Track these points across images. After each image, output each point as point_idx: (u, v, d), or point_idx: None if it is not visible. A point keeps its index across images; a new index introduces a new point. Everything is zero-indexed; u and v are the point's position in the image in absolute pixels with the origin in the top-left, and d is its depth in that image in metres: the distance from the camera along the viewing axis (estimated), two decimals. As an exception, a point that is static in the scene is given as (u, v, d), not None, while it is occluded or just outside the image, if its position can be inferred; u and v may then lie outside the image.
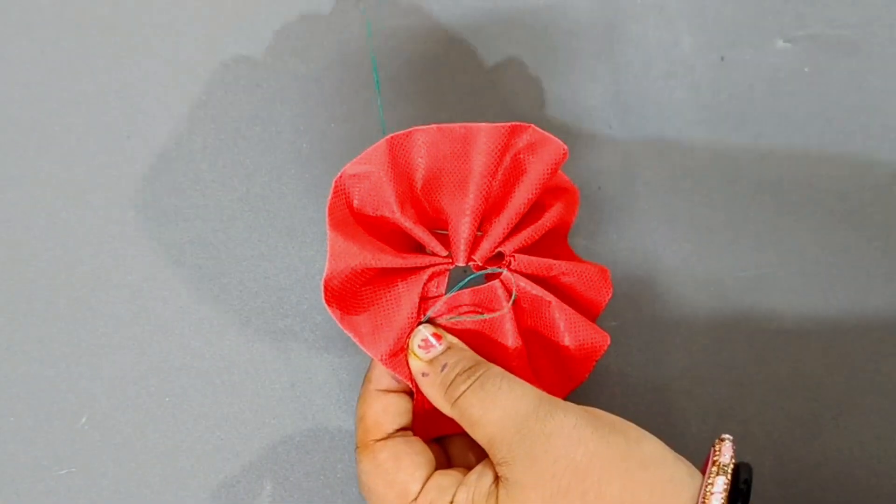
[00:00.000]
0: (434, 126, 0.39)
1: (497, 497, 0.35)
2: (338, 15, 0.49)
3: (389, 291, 0.39)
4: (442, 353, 0.38)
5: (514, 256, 0.40)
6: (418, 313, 0.39)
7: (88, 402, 0.45)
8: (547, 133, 0.39)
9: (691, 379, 0.46)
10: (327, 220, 0.38)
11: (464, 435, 0.38)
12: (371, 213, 0.40)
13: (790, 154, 0.48)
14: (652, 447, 0.35)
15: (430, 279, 0.40)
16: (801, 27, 0.49)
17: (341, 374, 0.46)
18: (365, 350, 0.38)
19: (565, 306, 0.40)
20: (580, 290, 0.42)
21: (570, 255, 0.44)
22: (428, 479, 0.37)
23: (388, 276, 0.40)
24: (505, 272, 0.40)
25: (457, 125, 0.39)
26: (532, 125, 0.39)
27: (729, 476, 0.34)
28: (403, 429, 0.39)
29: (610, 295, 0.42)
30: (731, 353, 0.46)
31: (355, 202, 0.40)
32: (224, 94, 0.48)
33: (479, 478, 0.36)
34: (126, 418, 0.45)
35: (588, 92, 0.49)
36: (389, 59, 0.49)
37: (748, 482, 0.34)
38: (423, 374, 0.38)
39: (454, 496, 0.36)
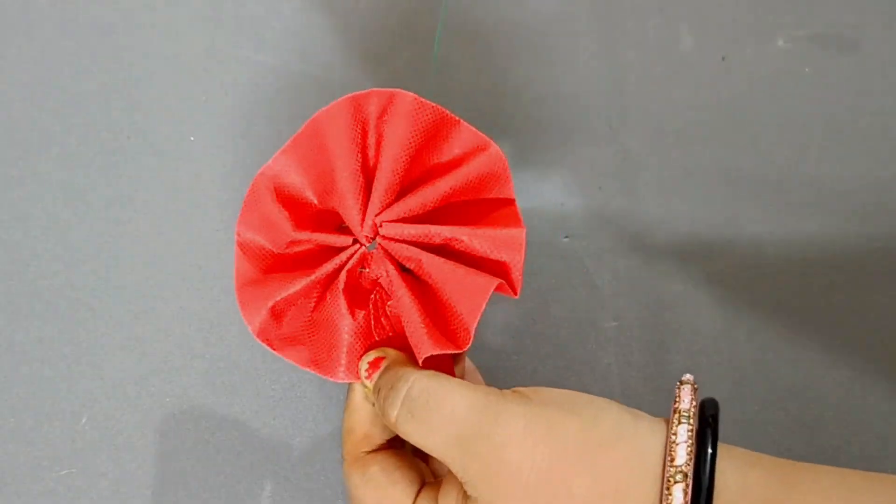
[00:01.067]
0: (287, 143, 0.39)
1: None
2: (338, 15, 0.49)
3: (320, 310, 0.39)
4: (380, 377, 0.37)
5: (382, 224, 0.38)
6: (368, 313, 0.39)
7: (88, 403, 0.45)
8: (391, 90, 0.38)
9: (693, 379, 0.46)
10: (235, 279, 0.39)
11: None
12: (278, 251, 0.40)
13: (790, 154, 0.48)
14: (609, 420, 0.33)
15: (356, 268, 0.39)
16: (802, 27, 0.49)
17: (341, 375, 0.46)
18: (325, 377, 0.38)
19: (437, 259, 0.38)
20: (484, 253, 0.39)
21: (498, 221, 0.40)
22: (418, 493, 0.36)
23: (309, 292, 0.39)
24: (377, 241, 0.39)
25: (303, 126, 0.39)
26: (372, 90, 0.38)
27: (692, 422, 0.32)
28: (392, 439, 0.38)
29: (519, 258, 0.39)
30: (731, 352, 0.46)
31: (263, 248, 0.40)
32: (224, 94, 0.48)
33: (445, 497, 0.35)
34: (126, 418, 0.45)
35: (588, 92, 0.49)
36: (383, 61, 0.49)
37: (714, 418, 0.33)
38: (373, 405, 0.37)
39: None
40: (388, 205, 0.38)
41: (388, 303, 0.39)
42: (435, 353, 0.36)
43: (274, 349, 0.38)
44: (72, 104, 0.48)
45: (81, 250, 0.47)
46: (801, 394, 0.45)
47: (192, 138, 0.48)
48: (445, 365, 0.39)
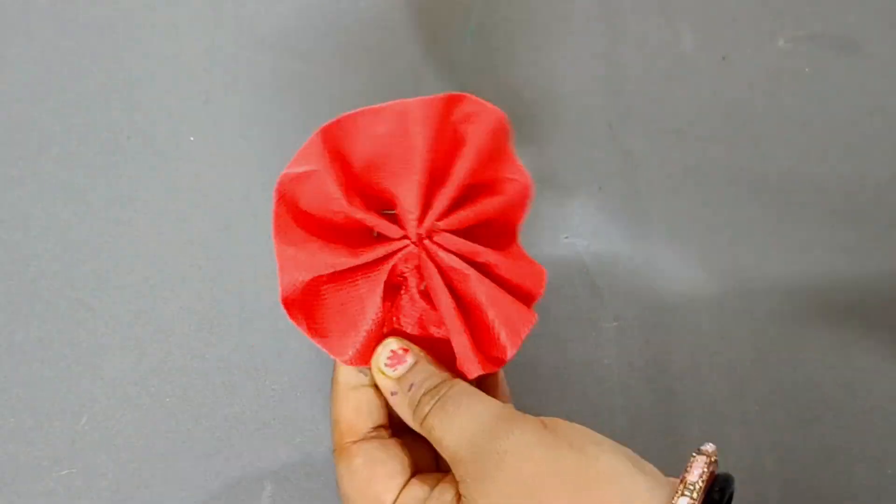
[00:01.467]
0: (365, 108, 0.38)
1: None
2: (338, 15, 0.49)
3: (351, 291, 0.38)
4: (409, 371, 0.38)
5: (438, 230, 0.38)
6: (389, 305, 0.38)
7: (88, 403, 0.45)
8: (484, 101, 0.38)
9: (691, 379, 0.46)
10: (273, 230, 0.37)
11: None
12: (318, 213, 0.39)
13: (791, 154, 0.48)
14: (609, 463, 0.34)
15: (396, 263, 0.38)
16: (802, 27, 0.49)
17: (341, 375, 0.46)
18: (332, 355, 0.37)
19: (486, 280, 0.39)
20: (513, 281, 0.40)
21: (516, 252, 0.42)
22: (404, 486, 0.36)
23: (348, 274, 0.38)
24: (427, 242, 0.38)
25: (388, 104, 0.38)
26: (468, 95, 0.38)
27: (696, 495, 0.32)
28: (379, 427, 0.38)
29: (540, 293, 0.40)
30: (731, 352, 0.46)
31: (301, 204, 0.39)
32: (224, 94, 0.48)
33: (441, 493, 0.35)
34: (126, 419, 0.45)
35: (588, 92, 0.49)
36: (383, 61, 0.49)
37: (722, 494, 0.33)
38: (392, 393, 0.38)
39: None
40: (447, 212, 0.38)
41: (416, 305, 0.39)
42: (479, 373, 0.37)
43: (291, 318, 0.37)
44: (72, 104, 0.48)
45: (81, 250, 0.47)
46: (801, 394, 0.45)
47: (191, 138, 0.48)
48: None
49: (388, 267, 0.38)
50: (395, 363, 0.38)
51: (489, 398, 0.36)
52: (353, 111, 0.38)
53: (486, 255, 0.39)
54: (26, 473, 0.45)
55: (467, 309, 0.39)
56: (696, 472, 0.33)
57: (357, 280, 0.38)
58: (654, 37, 0.49)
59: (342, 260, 0.37)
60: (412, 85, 0.48)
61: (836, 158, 0.48)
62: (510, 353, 0.38)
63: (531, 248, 0.46)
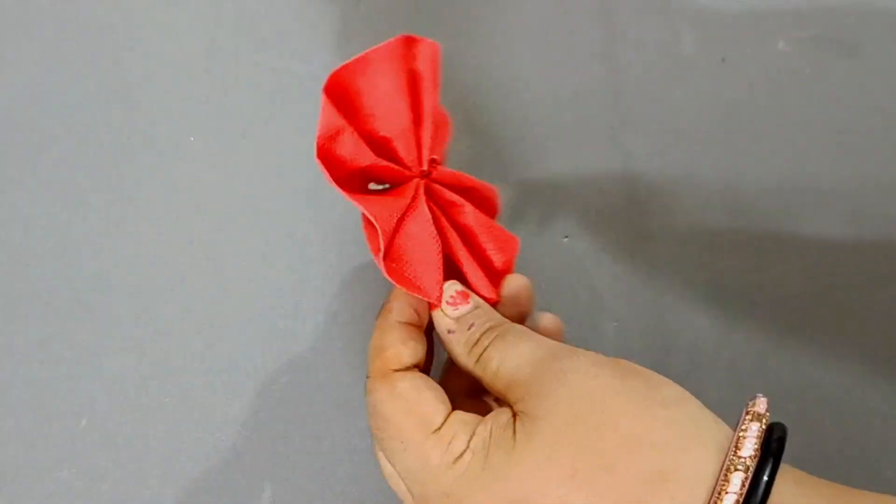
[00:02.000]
0: (345, 64, 0.39)
1: (514, 429, 0.34)
2: (338, 15, 0.49)
3: (413, 233, 0.39)
4: (469, 313, 0.39)
5: (437, 167, 0.40)
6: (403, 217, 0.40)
7: (88, 404, 0.45)
8: (422, 37, 0.40)
9: (691, 380, 0.46)
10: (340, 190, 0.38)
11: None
12: (354, 166, 0.40)
13: (790, 154, 0.48)
14: (675, 391, 0.35)
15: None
16: (802, 28, 0.49)
17: (341, 376, 0.46)
18: (426, 298, 0.39)
19: (477, 211, 0.41)
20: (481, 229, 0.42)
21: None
22: (449, 414, 0.37)
23: (401, 219, 0.40)
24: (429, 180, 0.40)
25: (358, 57, 0.39)
26: (415, 36, 0.40)
27: (764, 424, 0.33)
28: (417, 366, 0.39)
29: (514, 247, 0.42)
30: (731, 353, 0.46)
31: (347, 159, 0.40)
32: (224, 94, 0.48)
33: (497, 415, 0.36)
34: (126, 419, 0.45)
35: (588, 92, 0.49)
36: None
37: (782, 439, 0.33)
38: (449, 332, 0.39)
39: (475, 430, 0.35)
40: (432, 145, 0.40)
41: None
42: (490, 297, 0.40)
43: (390, 272, 0.38)
44: (72, 104, 0.48)
45: (81, 250, 0.47)
46: (800, 394, 0.45)
47: (191, 138, 0.48)
48: None
49: (423, 202, 0.40)
50: (456, 303, 0.39)
51: (544, 337, 0.37)
52: (336, 68, 0.39)
53: (470, 180, 0.41)
54: (26, 474, 0.45)
55: (465, 238, 0.41)
56: (763, 406, 0.34)
57: (406, 222, 0.39)
58: (654, 37, 0.49)
59: (395, 203, 0.39)
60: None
61: (836, 159, 0.48)
62: (507, 277, 0.41)
63: (531, 249, 0.46)
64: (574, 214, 0.47)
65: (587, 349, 0.46)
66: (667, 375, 0.45)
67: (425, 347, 0.39)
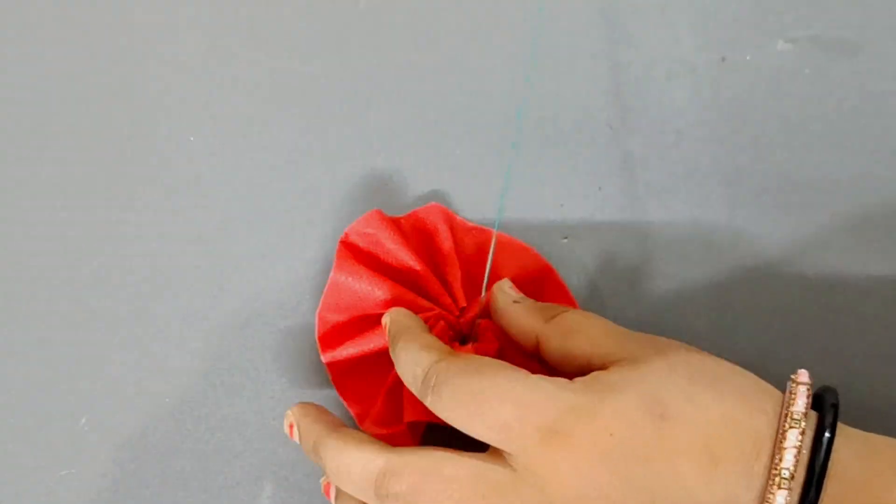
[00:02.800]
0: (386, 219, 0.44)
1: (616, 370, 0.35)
2: (338, 15, 0.49)
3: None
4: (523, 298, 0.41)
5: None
6: None
7: (88, 403, 0.45)
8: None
9: (691, 379, 0.46)
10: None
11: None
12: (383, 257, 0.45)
13: (790, 154, 0.48)
14: (734, 366, 0.37)
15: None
16: (802, 28, 0.49)
17: (341, 375, 0.46)
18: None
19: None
20: None
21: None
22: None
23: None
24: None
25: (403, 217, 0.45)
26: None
27: (810, 389, 0.34)
28: None
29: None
30: (731, 353, 0.46)
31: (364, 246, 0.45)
32: (224, 94, 0.48)
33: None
34: (126, 419, 0.45)
35: (588, 92, 0.48)
36: (382, 61, 0.49)
37: (835, 406, 0.34)
38: (515, 301, 0.40)
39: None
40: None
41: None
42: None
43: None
44: (72, 104, 0.48)
45: (81, 250, 0.47)
46: (800, 395, 0.45)
47: (191, 138, 0.48)
48: None
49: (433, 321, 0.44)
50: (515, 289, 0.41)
51: None
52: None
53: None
54: (26, 473, 0.45)
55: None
56: (806, 376, 0.35)
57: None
58: (654, 37, 0.49)
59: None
60: (412, 85, 0.48)
61: (836, 158, 0.48)
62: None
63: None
64: (574, 214, 0.47)
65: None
66: (666, 375, 0.46)
67: None
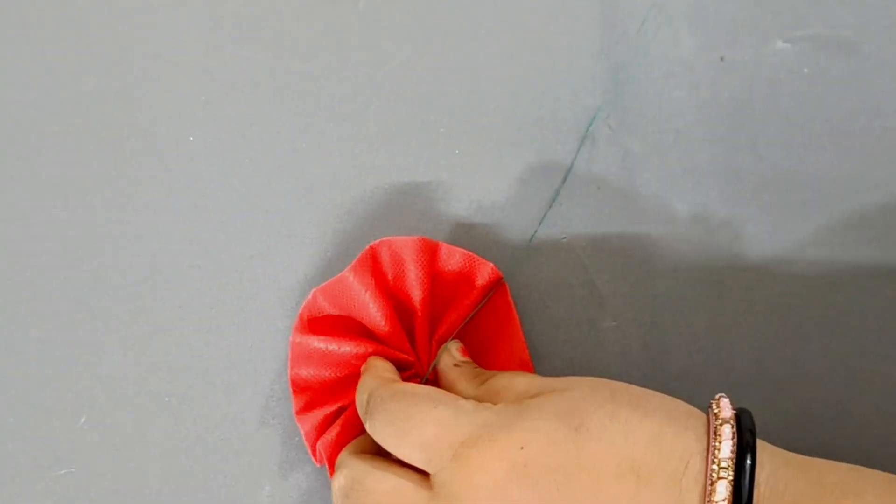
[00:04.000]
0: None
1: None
2: (338, 15, 0.49)
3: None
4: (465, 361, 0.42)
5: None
6: None
7: (87, 402, 0.45)
8: (396, 238, 0.43)
9: (691, 379, 0.46)
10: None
11: None
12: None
13: (790, 154, 0.48)
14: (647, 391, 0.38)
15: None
16: (801, 27, 0.49)
17: (340, 374, 0.46)
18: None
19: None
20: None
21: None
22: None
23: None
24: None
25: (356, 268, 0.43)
26: (381, 242, 0.43)
27: (733, 426, 0.34)
28: None
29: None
30: (731, 353, 0.46)
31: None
32: (224, 94, 0.49)
33: None
34: (125, 418, 0.45)
35: (588, 92, 0.48)
36: (382, 61, 0.49)
37: (752, 431, 0.35)
38: (456, 365, 0.41)
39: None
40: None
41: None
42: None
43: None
44: (72, 104, 0.48)
45: (81, 250, 0.47)
46: (799, 394, 0.45)
47: (191, 138, 0.48)
48: None
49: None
50: (463, 353, 0.42)
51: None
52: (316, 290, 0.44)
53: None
54: (25, 472, 0.45)
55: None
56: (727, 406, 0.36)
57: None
58: (654, 37, 0.49)
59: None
60: (412, 86, 0.48)
61: (835, 158, 0.48)
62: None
63: (531, 249, 0.46)
64: (573, 214, 0.47)
65: (586, 348, 0.46)
66: (664, 374, 0.46)
67: None
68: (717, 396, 0.36)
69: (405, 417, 0.35)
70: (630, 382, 0.45)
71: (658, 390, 0.45)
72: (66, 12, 0.49)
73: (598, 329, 0.46)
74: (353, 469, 0.37)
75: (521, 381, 0.38)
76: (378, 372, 0.40)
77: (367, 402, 0.38)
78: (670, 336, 0.46)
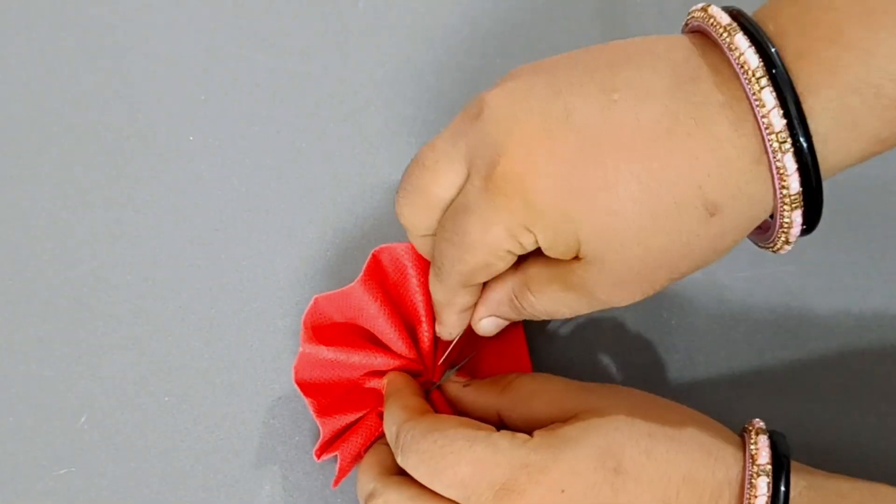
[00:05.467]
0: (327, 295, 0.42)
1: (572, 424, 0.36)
2: (338, 15, 0.49)
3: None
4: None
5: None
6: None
7: (88, 402, 0.45)
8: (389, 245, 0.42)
9: (691, 379, 0.46)
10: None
11: None
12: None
13: (790, 154, 0.48)
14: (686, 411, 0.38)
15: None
16: (801, 27, 0.49)
17: (340, 374, 0.46)
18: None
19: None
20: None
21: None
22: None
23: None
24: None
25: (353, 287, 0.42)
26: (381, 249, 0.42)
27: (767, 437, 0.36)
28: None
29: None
30: (731, 353, 0.46)
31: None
32: (224, 94, 0.49)
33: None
34: (125, 418, 0.45)
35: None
36: (382, 61, 0.49)
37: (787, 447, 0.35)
38: (466, 385, 0.41)
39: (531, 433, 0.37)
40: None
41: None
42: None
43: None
44: (72, 104, 0.48)
45: (81, 250, 0.47)
46: (798, 394, 0.45)
47: (191, 138, 0.48)
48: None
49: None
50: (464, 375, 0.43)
51: None
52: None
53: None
54: (25, 472, 0.45)
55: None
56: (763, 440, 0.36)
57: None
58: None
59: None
60: (411, 86, 0.49)
61: (836, 158, 0.48)
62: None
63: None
64: (573, 214, 0.47)
65: (586, 348, 0.46)
66: (665, 374, 0.46)
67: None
68: (753, 426, 0.37)
69: (439, 457, 0.35)
70: (629, 383, 0.45)
71: (658, 390, 0.45)
72: (66, 12, 0.49)
73: (598, 328, 0.46)
74: (389, 497, 0.37)
75: (551, 388, 0.38)
76: (403, 399, 0.39)
77: (397, 436, 0.37)
78: (670, 335, 0.46)
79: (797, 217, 0.32)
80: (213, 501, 0.44)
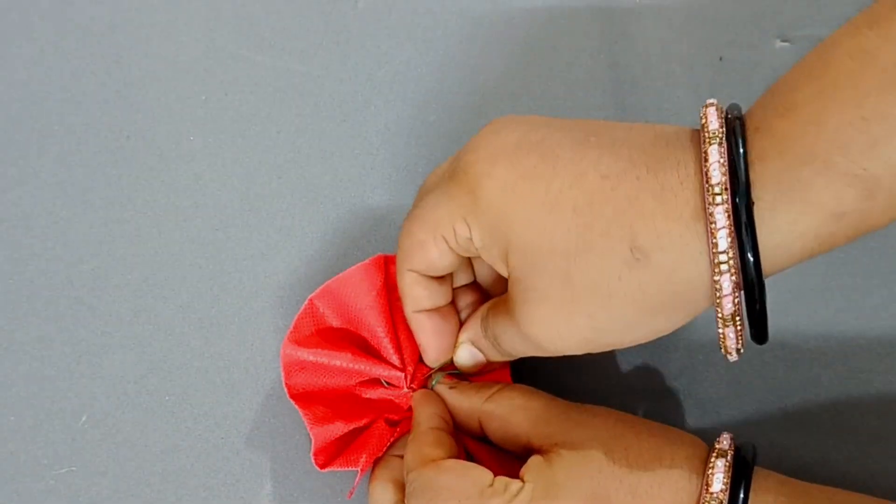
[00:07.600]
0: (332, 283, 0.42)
1: (554, 460, 0.37)
2: (338, 15, 0.49)
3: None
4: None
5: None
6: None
7: (88, 401, 0.45)
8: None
9: (690, 379, 0.46)
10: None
11: None
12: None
13: (789, 154, 0.48)
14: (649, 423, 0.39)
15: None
16: (800, 27, 0.49)
17: (340, 374, 0.46)
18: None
19: None
20: None
21: None
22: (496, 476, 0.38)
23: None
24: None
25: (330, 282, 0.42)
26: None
27: (729, 459, 0.36)
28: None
29: None
30: (730, 352, 0.46)
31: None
32: (224, 94, 0.49)
33: (533, 459, 0.38)
34: (126, 417, 0.45)
35: (588, 92, 0.49)
36: (382, 61, 0.49)
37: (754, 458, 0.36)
38: (451, 388, 0.41)
39: (521, 476, 0.37)
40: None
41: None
42: None
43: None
44: (72, 104, 0.48)
45: (81, 250, 0.47)
46: (797, 394, 0.45)
47: (191, 138, 0.48)
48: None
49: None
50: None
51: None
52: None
53: None
54: (26, 471, 0.45)
55: None
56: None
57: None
58: (654, 37, 0.49)
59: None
60: (411, 86, 0.49)
61: (835, 158, 0.48)
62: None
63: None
64: (573, 214, 0.47)
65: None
66: (665, 373, 0.46)
67: (454, 446, 0.40)
68: (718, 444, 0.38)
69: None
70: (628, 383, 0.46)
71: (657, 390, 0.45)
72: (66, 12, 0.49)
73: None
74: None
75: (535, 406, 0.39)
76: (421, 447, 0.39)
77: (407, 482, 0.38)
78: (670, 335, 0.46)
79: (732, 327, 0.35)
80: (213, 501, 0.45)
